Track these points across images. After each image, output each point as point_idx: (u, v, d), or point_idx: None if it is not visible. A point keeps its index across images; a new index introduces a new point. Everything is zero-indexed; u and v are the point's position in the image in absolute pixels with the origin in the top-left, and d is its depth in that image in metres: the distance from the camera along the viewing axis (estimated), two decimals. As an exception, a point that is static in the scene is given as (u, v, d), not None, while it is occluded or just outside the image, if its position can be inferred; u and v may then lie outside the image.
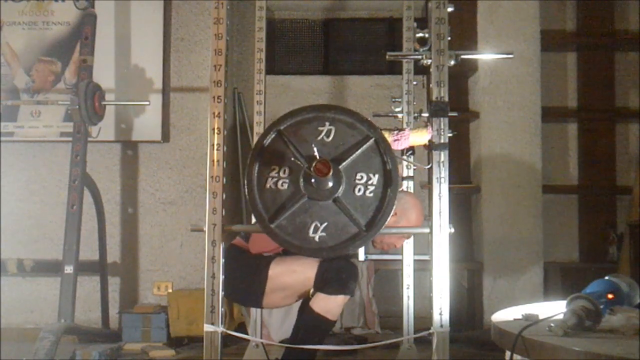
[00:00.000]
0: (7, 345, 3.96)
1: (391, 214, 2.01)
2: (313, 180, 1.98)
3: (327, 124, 2.05)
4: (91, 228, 4.26)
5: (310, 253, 2.02)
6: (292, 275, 2.56)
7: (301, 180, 2.01)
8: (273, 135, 2.06)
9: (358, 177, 2.01)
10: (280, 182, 2.03)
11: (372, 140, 2.04)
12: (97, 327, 4.32)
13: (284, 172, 2.03)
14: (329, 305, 2.50)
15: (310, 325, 2.54)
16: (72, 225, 3.70)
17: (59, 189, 4.62)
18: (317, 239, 1.99)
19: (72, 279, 3.60)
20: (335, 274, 2.50)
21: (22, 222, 4.68)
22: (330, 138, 2.04)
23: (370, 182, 2.01)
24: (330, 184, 1.98)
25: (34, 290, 4.63)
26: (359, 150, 2.03)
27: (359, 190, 2.01)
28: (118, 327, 4.32)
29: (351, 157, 2.02)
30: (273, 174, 2.03)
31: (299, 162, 2.01)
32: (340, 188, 2.00)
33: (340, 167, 2.00)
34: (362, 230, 2.00)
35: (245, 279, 2.57)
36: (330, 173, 1.90)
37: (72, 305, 3.56)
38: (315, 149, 1.97)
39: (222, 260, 2.11)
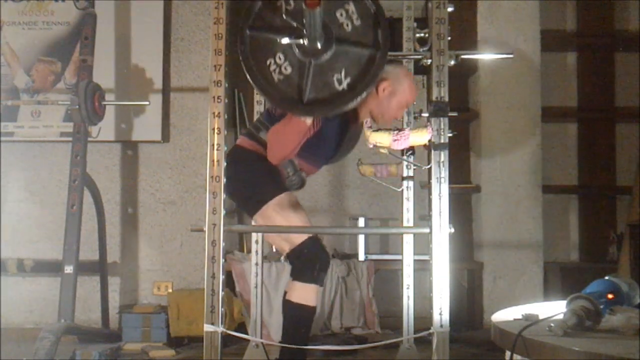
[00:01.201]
0: (7, 345, 3.96)
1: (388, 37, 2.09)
2: (306, 43, 2.02)
3: None
4: (91, 228, 4.26)
5: (350, 99, 2.05)
6: (282, 223, 2.64)
7: (297, 52, 2.05)
8: (248, 35, 2.08)
9: (339, 15, 2.08)
10: (282, 67, 2.07)
11: None
12: (97, 327, 4.31)
13: (280, 59, 2.07)
14: (304, 293, 2.62)
15: (294, 315, 2.65)
16: (72, 225, 3.69)
17: (59, 189, 4.62)
18: (346, 86, 2.04)
19: (72, 279, 3.59)
20: (310, 264, 2.61)
21: (22, 222, 4.68)
22: (292, 4, 2.08)
23: (350, 12, 2.07)
24: (323, 39, 2.03)
25: (34, 290, 4.63)
26: None
27: (347, 25, 2.08)
28: (118, 327, 4.32)
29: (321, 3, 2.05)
30: (272, 66, 2.07)
31: (285, 40, 2.04)
32: (333, 32, 2.05)
33: None
34: (374, 48, 2.05)
35: (253, 190, 2.63)
36: (320, 3, 1.92)
37: (72, 305, 3.56)
38: (285, 17, 2.04)
39: (222, 260, 2.11)
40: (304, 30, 2.00)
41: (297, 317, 2.65)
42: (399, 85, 2.68)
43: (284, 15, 2.06)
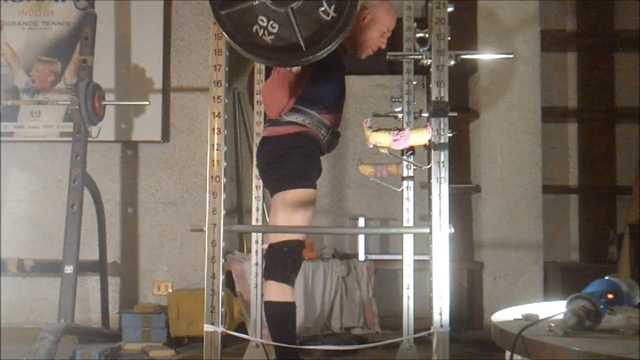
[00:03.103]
0: (7, 345, 3.96)
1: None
2: None
3: None
4: (91, 228, 4.26)
5: (344, 24, 2.08)
6: (276, 217, 2.71)
7: (275, 6, 2.06)
8: (224, 15, 2.09)
9: None
10: (269, 27, 2.08)
11: None
12: (97, 327, 4.32)
13: (263, 21, 2.07)
14: (280, 291, 2.68)
15: (277, 314, 2.69)
16: (72, 225, 3.69)
17: (59, 189, 4.62)
18: (334, 13, 2.08)
19: (72, 279, 3.60)
20: (282, 263, 2.67)
21: (22, 222, 4.68)
22: None
23: None
24: None
25: (34, 290, 4.63)
26: None
27: None
28: (118, 327, 4.32)
29: None
30: (260, 32, 2.08)
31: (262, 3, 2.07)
32: None
33: None
34: None
35: (289, 171, 2.72)
36: None
37: (72, 305, 3.56)
38: None
39: (222, 260, 2.11)
40: None
41: (280, 315, 2.69)
42: (377, 11, 2.91)
43: None
